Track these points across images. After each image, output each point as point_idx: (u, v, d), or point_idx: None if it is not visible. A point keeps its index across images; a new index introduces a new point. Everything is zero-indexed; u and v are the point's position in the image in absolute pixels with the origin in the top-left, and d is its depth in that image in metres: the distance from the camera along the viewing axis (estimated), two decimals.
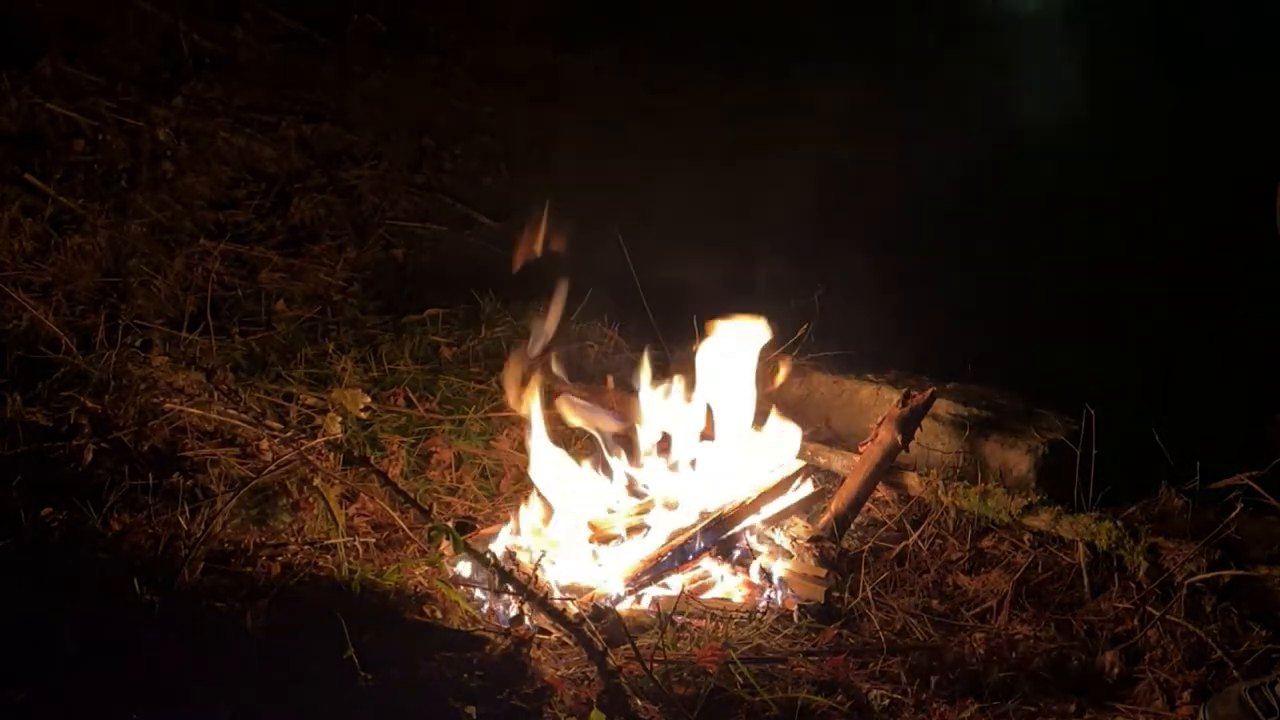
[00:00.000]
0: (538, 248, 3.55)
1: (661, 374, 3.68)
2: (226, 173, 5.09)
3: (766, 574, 3.24)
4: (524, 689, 2.56)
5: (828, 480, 3.65)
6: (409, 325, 4.36)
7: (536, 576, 2.97)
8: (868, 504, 3.48)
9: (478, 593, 3.00)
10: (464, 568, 3.06)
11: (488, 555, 3.00)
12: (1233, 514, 3.15)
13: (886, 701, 2.71)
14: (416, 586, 2.93)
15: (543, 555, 3.13)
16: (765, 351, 3.61)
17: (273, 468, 3.22)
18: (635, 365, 3.64)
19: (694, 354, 3.57)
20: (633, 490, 3.47)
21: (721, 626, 3.04)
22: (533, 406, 3.44)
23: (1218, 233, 4.79)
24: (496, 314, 4.44)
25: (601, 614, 2.92)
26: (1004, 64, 6.01)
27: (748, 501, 3.34)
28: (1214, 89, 5.67)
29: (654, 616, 3.03)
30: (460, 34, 6.43)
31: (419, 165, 5.58)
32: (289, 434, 3.45)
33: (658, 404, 3.55)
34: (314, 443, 3.35)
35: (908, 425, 3.47)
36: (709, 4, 6.52)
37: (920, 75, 5.98)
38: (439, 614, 2.84)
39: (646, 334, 4.08)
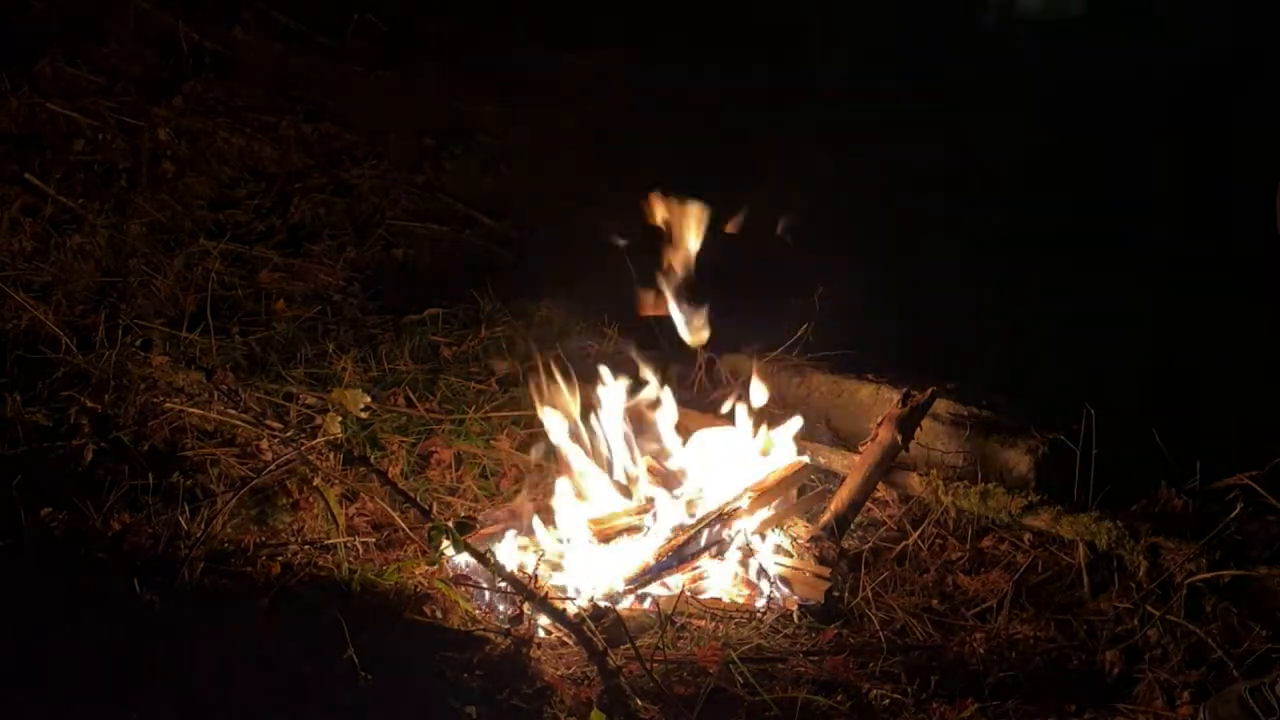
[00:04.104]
0: None
1: (662, 374, 3.68)
2: (226, 173, 5.08)
3: (766, 574, 3.24)
4: (524, 689, 2.56)
5: (828, 480, 3.65)
6: (409, 325, 4.36)
7: (536, 576, 2.98)
8: (868, 504, 3.48)
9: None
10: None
11: (488, 555, 3.00)
12: (1233, 514, 3.16)
13: (886, 701, 2.71)
14: (416, 586, 2.94)
15: (542, 555, 3.13)
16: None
17: (273, 468, 3.22)
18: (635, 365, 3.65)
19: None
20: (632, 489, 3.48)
21: (721, 626, 3.04)
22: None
23: (1218, 233, 4.79)
24: (496, 314, 4.44)
25: (601, 614, 2.92)
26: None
27: (747, 501, 3.34)
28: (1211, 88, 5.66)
29: (654, 616, 3.03)
30: (460, 34, 6.43)
31: (419, 165, 5.57)
32: (289, 434, 3.45)
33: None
34: (314, 443, 3.35)
35: (907, 425, 3.47)
36: (709, 4, 6.52)
37: (924, 72, 5.97)
38: (439, 614, 2.84)
39: (647, 333, 4.07)
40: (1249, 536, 3.16)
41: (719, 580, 3.27)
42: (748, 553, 3.30)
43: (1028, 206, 5.17)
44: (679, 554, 3.22)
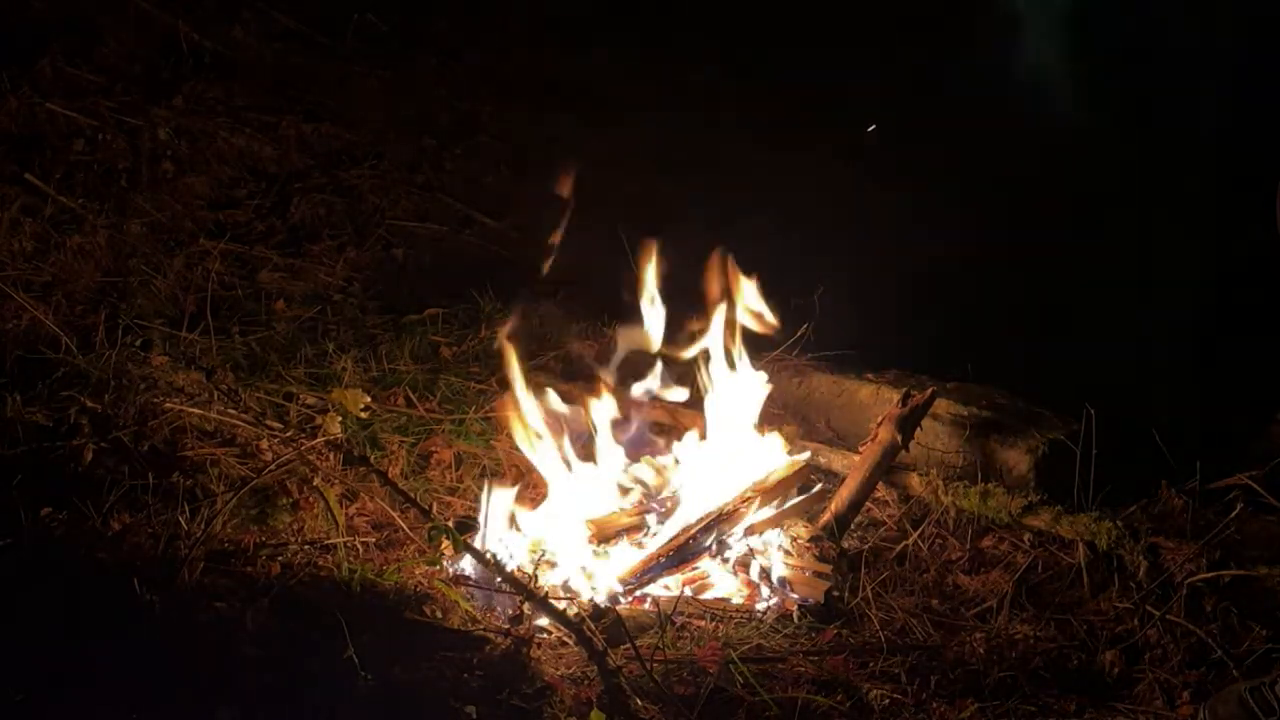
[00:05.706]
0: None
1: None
2: (226, 173, 5.08)
3: (766, 574, 3.24)
4: (524, 689, 2.56)
5: (828, 480, 3.65)
6: (409, 325, 4.36)
7: (536, 576, 2.98)
8: (868, 504, 3.48)
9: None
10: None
11: (488, 554, 3.00)
12: (1233, 514, 3.16)
13: (886, 701, 2.70)
14: (416, 586, 2.94)
15: (542, 554, 3.13)
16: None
17: (273, 468, 3.22)
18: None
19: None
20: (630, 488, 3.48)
21: (721, 626, 3.04)
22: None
23: (1218, 233, 4.79)
24: (496, 314, 4.44)
25: (601, 614, 2.92)
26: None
27: (747, 500, 3.34)
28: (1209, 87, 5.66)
29: (654, 616, 3.03)
30: (460, 34, 6.43)
31: (419, 165, 5.57)
32: (289, 434, 3.44)
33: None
34: (314, 443, 3.35)
35: (907, 425, 3.47)
36: (710, 4, 6.52)
37: (924, 71, 5.97)
38: (439, 614, 2.84)
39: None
40: (1249, 536, 3.17)
41: (719, 580, 3.27)
42: (748, 553, 3.31)
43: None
44: (679, 554, 3.22)
